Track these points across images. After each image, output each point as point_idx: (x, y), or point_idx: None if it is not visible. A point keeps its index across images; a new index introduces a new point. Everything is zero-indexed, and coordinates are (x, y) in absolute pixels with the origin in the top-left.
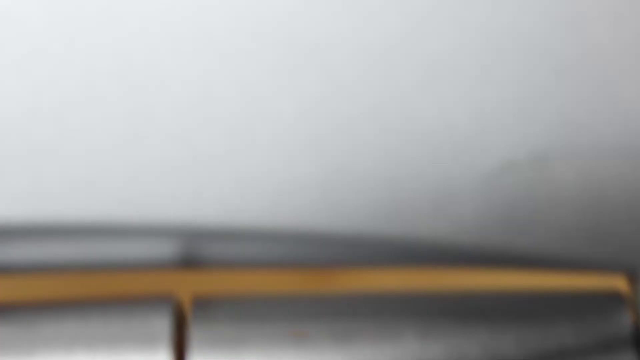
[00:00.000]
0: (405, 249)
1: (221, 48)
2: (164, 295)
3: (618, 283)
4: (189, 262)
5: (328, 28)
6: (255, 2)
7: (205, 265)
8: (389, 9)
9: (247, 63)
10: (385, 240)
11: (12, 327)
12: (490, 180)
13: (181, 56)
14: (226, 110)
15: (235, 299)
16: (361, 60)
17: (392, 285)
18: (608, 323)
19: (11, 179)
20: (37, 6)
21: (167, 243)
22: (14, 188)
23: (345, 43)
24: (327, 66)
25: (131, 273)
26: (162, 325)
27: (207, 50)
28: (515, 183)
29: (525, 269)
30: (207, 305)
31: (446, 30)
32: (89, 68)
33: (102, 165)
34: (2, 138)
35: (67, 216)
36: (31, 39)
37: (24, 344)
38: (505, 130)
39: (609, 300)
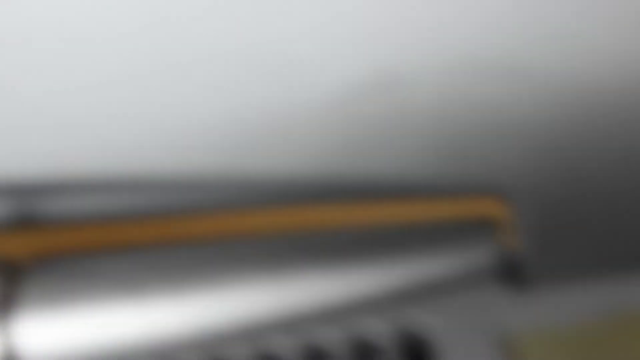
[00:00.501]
0: (248, 187)
1: None
2: None
3: (487, 205)
4: (23, 221)
5: None
6: None
7: (41, 223)
8: None
9: None
10: (224, 180)
11: None
12: (335, 106)
13: None
14: (49, 63)
15: (72, 256)
16: None
17: (234, 229)
18: (475, 249)
19: None
20: None
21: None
22: None
23: None
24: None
25: None
26: None
27: None
28: (364, 108)
29: (385, 200)
30: (44, 263)
31: None
32: None
33: None
34: None
35: None
36: None
37: None
38: (349, 51)
39: (477, 225)
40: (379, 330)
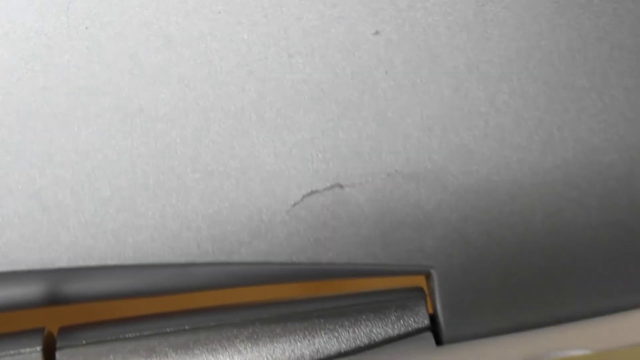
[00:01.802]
0: (238, 272)
1: None
2: (35, 329)
3: (417, 280)
4: (54, 300)
5: None
6: None
7: (67, 301)
8: None
9: None
10: (219, 266)
11: None
12: (297, 207)
13: None
14: (69, 168)
15: (94, 325)
16: None
17: (229, 301)
18: (409, 313)
19: None
20: None
21: (33, 286)
22: None
23: None
24: None
25: (6, 314)
26: (34, 354)
27: None
28: (318, 208)
29: (338, 278)
30: (71, 333)
31: None
32: None
33: None
34: None
35: None
36: None
37: None
38: (305, 165)
39: (410, 295)
40: None
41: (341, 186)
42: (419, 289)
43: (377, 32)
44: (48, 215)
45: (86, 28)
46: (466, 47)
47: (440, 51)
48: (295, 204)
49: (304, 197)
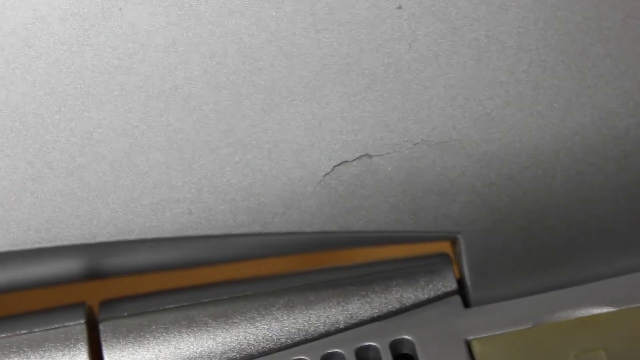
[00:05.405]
0: (273, 242)
1: None
2: (77, 303)
3: (443, 247)
4: (94, 275)
5: None
6: None
7: (108, 275)
8: None
9: None
10: (254, 237)
11: None
12: (327, 178)
13: None
14: (106, 145)
15: (135, 297)
16: None
17: (265, 271)
18: (438, 278)
19: None
20: None
21: (74, 260)
22: None
23: None
24: None
25: (49, 289)
26: (78, 326)
27: None
28: (348, 178)
29: (368, 246)
30: (112, 306)
31: None
32: None
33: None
34: None
35: None
36: None
37: None
38: (334, 137)
39: (437, 261)
40: (375, 343)
41: (370, 156)
42: (446, 255)
43: (400, 7)
44: (87, 192)
45: (120, 9)
46: (485, 19)
47: (461, 23)
48: (325, 175)
49: (334, 167)
